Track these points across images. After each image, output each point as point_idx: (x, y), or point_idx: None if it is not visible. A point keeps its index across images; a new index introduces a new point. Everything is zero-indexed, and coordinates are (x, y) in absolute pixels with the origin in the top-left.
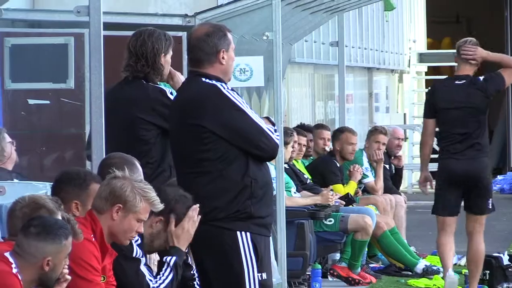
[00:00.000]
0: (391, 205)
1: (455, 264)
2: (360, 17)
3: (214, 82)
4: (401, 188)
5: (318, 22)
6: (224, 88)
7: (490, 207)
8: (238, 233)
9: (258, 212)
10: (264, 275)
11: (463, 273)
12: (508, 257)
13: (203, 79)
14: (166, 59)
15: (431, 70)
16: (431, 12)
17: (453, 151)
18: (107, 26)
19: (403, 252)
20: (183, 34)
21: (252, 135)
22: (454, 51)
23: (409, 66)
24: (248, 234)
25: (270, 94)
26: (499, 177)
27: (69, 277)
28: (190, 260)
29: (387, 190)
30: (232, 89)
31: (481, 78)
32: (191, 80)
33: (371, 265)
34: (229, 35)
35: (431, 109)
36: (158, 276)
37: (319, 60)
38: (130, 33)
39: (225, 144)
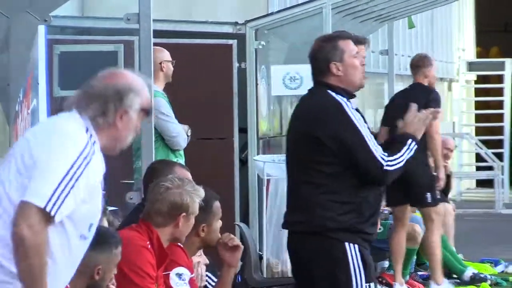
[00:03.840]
0: (439, 213)
1: (502, 271)
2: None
3: (338, 97)
4: (450, 196)
5: (368, 30)
6: (347, 106)
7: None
8: (346, 244)
9: (365, 230)
10: (372, 285)
11: (509, 280)
12: None
13: (329, 91)
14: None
15: (480, 79)
16: (480, 21)
17: None
18: (157, 33)
19: (451, 260)
20: (234, 42)
21: (362, 158)
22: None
23: (458, 75)
24: (356, 246)
25: None
26: None
27: (113, 286)
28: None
29: None
30: (356, 109)
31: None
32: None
33: (420, 273)
34: (341, 44)
35: None
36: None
37: (369, 68)
38: (180, 40)
39: (339, 160)
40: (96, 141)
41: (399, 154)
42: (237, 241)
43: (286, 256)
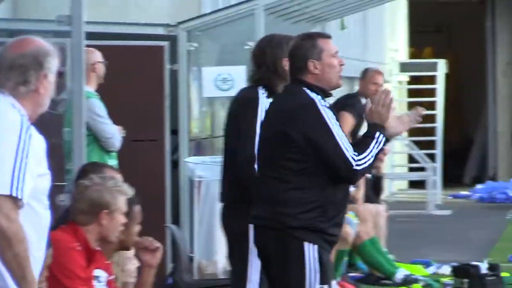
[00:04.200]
0: (371, 214)
1: (434, 273)
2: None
3: (312, 94)
4: (382, 197)
5: (300, 31)
6: (319, 103)
7: None
8: (306, 243)
9: (328, 230)
10: (326, 287)
11: (441, 281)
12: (487, 266)
13: (304, 89)
14: None
15: (413, 80)
16: (413, 22)
17: None
18: (90, 35)
19: (383, 262)
20: (165, 44)
21: (332, 157)
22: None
23: (390, 76)
24: (315, 246)
25: None
26: (478, 186)
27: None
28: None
29: (367, 199)
30: (329, 107)
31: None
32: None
33: (351, 274)
34: (321, 42)
35: None
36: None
37: None
38: (112, 42)
39: (309, 158)
40: (24, 114)
41: (367, 151)
42: (156, 243)
43: (217, 258)
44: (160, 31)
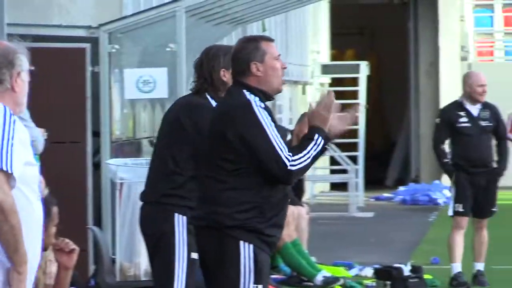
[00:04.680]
0: (293, 216)
1: (356, 275)
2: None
3: (250, 96)
4: (303, 199)
5: (222, 33)
6: (255, 104)
7: None
8: (241, 242)
9: (265, 231)
10: (260, 287)
11: (363, 284)
12: (409, 268)
13: (244, 91)
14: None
15: (335, 82)
16: (335, 24)
17: None
18: (11, 36)
19: (304, 264)
20: (87, 46)
21: (266, 157)
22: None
23: (312, 78)
24: (251, 245)
25: None
26: (401, 188)
27: None
28: None
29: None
30: (265, 107)
31: None
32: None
33: (273, 276)
34: (264, 45)
35: None
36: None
37: None
38: (33, 44)
39: (244, 159)
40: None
41: (304, 152)
42: (72, 245)
43: (139, 260)
44: (82, 33)
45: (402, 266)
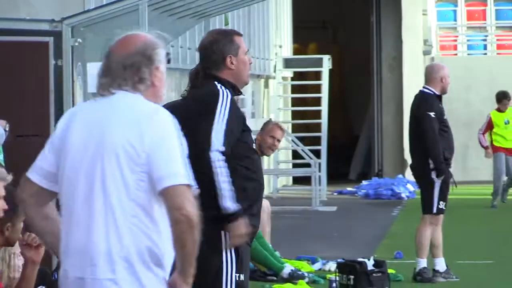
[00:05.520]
0: None
1: (320, 269)
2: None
3: (221, 88)
4: (266, 193)
5: (185, 27)
6: (223, 96)
7: None
8: (222, 232)
9: None
10: (242, 276)
11: (326, 278)
12: (373, 262)
13: (215, 82)
14: None
15: (297, 76)
16: (298, 17)
17: None
18: None
19: (268, 257)
20: (50, 39)
21: (201, 137)
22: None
23: (275, 72)
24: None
25: None
26: (364, 182)
27: None
28: None
29: None
30: (230, 104)
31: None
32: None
33: None
34: (237, 39)
35: None
36: None
37: (186, 65)
38: None
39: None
40: None
41: (223, 183)
42: (39, 240)
43: None
44: (45, 26)
45: (365, 260)
